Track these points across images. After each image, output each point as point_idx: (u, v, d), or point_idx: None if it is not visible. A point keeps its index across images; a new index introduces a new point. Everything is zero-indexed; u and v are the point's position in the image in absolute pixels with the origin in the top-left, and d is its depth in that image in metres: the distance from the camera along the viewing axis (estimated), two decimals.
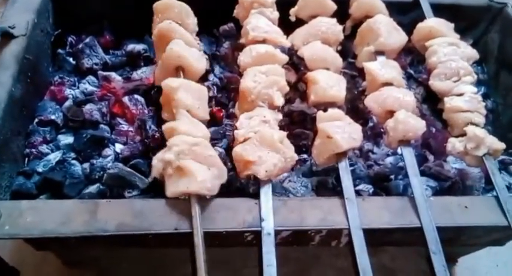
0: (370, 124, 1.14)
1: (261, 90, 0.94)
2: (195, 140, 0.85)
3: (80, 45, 1.17)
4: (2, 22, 1.06)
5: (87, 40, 1.18)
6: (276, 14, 1.11)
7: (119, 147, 1.05)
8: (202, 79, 1.07)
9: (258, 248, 0.81)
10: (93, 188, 0.97)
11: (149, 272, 1.27)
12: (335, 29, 1.10)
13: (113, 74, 1.16)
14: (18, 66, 0.99)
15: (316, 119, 0.97)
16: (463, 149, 0.97)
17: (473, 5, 1.29)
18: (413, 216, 0.88)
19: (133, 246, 1.02)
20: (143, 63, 1.19)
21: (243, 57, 1.02)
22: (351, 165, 0.99)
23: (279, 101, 0.96)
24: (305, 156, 1.07)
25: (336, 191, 0.99)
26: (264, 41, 1.04)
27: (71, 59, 1.19)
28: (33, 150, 1.02)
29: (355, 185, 0.96)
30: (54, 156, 1.01)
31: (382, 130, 1.09)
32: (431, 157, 1.12)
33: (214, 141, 1.02)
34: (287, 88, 0.99)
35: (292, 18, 1.15)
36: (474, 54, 1.11)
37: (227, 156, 0.98)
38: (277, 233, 0.83)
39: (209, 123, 0.99)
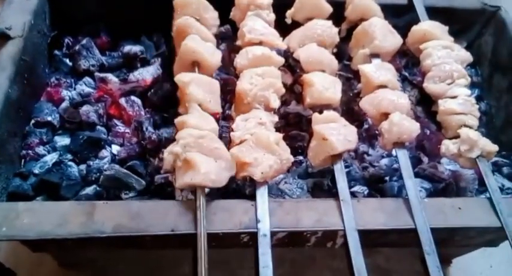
0: (365, 126, 1.15)
1: (257, 92, 0.95)
2: (201, 133, 0.86)
3: (77, 47, 1.17)
4: None
5: (84, 41, 1.17)
6: (272, 16, 1.11)
7: (115, 148, 1.05)
8: None
9: (254, 249, 0.82)
10: (89, 190, 0.97)
11: (146, 273, 1.27)
12: (331, 32, 1.10)
13: (110, 76, 1.15)
14: (14, 68, 0.99)
15: (312, 121, 0.97)
16: (456, 151, 0.98)
17: (467, 8, 1.30)
18: (408, 217, 0.88)
19: (130, 248, 1.02)
20: (140, 65, 1.19)
21: (239, 59, 1.02)
22: (346, 166, 0.99)
23: (275, 103, 0.96)
24: (301, 158, 1.08)
25: (332, 192, 0.99)
26: (260, 43, 1.04)
27: (67, 61, 1.18)
28: (30, 151, 1.02)
29: (350, 187, 0.97)
30: (51, 158, 1.01)
31: (377, 132, 1.09)
32: (425, 159, 1.13)
33: None
34: (283, 90, 0.99)
35: (288, 21, 1.15)
36: (468, 57, 1.11)
37: None
38: (273, 234, 0.84)
39: None
